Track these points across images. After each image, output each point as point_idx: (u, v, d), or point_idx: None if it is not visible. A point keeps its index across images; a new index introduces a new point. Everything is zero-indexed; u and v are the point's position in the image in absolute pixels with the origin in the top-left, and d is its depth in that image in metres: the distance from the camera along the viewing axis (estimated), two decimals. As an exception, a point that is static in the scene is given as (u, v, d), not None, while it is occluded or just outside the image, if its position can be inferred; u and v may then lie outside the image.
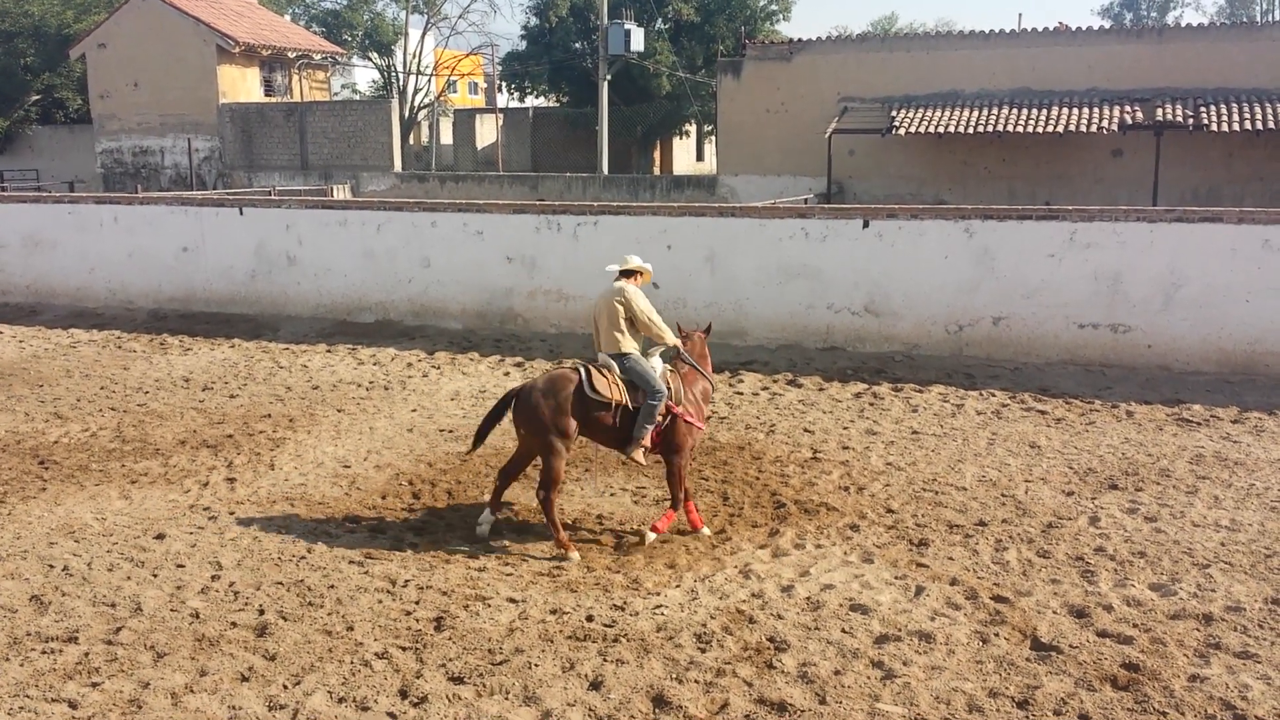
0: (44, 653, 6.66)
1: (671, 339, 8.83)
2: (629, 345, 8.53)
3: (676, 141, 52.17)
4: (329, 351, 15.96)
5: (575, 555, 8.19)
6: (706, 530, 8.65)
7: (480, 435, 8.72)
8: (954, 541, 8.44)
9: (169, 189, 37.19)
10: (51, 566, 8.02)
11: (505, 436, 11.33)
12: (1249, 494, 9.48)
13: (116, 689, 6.21)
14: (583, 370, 8.40)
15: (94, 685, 6.27)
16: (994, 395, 12.98)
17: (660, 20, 45.24)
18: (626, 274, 8.79)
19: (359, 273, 17.79)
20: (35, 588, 7.63)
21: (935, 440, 11.26)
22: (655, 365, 8.59)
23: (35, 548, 8.39)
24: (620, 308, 8.54)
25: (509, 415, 8.52)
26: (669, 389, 8.49)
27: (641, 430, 8.36)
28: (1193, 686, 6.16)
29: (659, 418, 8.40)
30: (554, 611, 7.20)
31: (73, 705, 6.05)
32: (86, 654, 6.64)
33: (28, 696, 6.13)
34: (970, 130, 27.03)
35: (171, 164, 39.57)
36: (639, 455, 8.47)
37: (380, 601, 7.39)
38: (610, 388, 8.32)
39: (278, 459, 10.73)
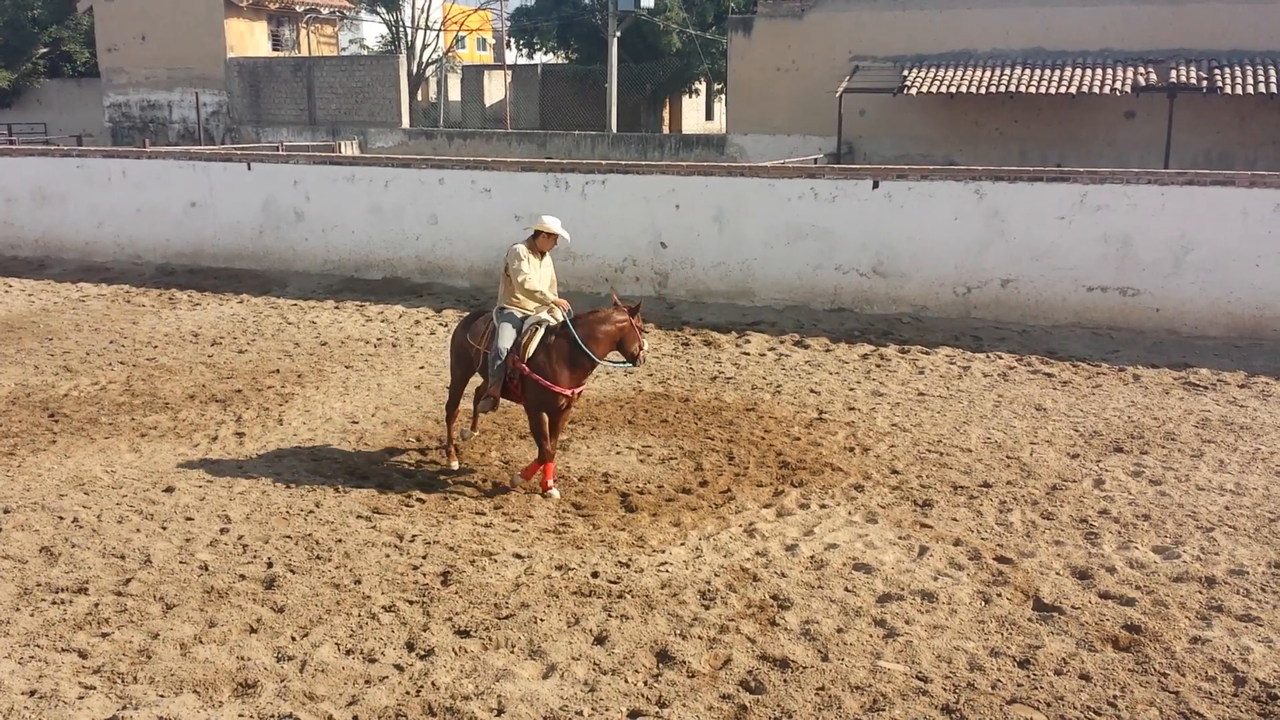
0: (54, 603, 6.74)
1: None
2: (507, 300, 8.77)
3: (686, 100, 51.85)
4: (337, 308, 15.98)
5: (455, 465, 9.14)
6: (556, 493, 8.60)
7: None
8: (958, 503, 8.47)
9: (177, 143, 37.11)
10: (61, 518, 8.09)
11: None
12: (1254, 458, 9.49)
13: (126, 639, 6.28)
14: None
15: (104, 635, 6.34)
16: (1001, 358, 12.97)
17: (671, -24, 44.80)
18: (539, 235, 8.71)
19: (366, 229, 17.76)
20: (45, 539, 7.71)
21: (941, 402, 11.27)
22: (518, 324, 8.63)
23: (45, 499, 8.46)
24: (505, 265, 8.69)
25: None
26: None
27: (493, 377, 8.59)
28: (1194, 648, 6.19)
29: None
30: (559, 567, 7.26)
31: (83, 655, 6.12)
32: (96, 604, 6.71)
33: (38, 646, 6.20)
34: (982, 90, 26.81)
35: (179, 118, 39.44)
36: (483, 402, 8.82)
37: (387, 556, 7.45)
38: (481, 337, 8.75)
39: (286, 414, 10.77)
